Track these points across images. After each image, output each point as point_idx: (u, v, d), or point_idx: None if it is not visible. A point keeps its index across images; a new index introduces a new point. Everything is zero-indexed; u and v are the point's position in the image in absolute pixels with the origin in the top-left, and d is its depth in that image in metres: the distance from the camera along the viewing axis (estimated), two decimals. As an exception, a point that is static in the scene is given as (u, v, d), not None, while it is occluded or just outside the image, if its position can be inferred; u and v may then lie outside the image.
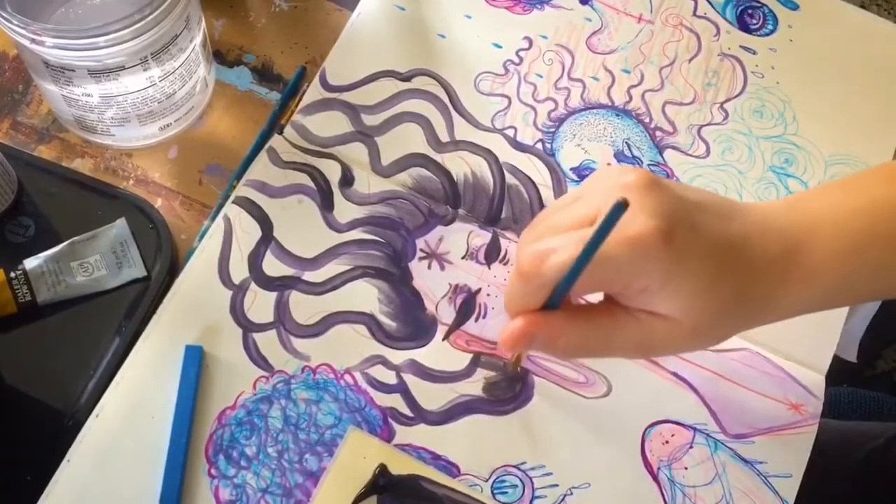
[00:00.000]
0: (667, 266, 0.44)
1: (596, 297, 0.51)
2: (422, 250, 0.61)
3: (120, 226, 0.60)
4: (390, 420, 0.56)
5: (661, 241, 0.43)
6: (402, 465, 0.55)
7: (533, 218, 0.63)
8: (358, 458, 0.55)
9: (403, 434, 0.56)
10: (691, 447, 0.57)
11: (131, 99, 0.59)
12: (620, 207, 0.41)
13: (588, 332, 0.47)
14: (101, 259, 0.59)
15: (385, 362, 0.58)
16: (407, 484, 0.54)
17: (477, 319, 0.59)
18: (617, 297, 0.47)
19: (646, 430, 0.57)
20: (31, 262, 0.58)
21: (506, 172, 0.64)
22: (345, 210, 0.62)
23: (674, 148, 0.66)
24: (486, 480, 0.55)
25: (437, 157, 0.64)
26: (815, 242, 0.47)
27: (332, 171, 0.63)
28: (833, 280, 0.47)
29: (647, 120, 0.67)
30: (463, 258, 0.61)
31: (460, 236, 0.62)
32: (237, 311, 0.58)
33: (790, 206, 0.50)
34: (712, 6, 0.71)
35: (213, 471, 0.55)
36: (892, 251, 0.47)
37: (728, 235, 0.46)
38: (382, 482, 0.54)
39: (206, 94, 0.65)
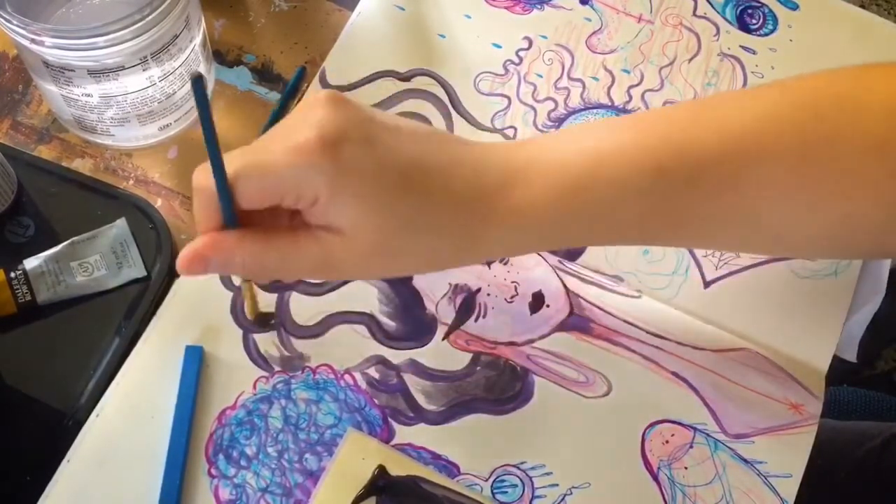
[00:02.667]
0: (331, 177, 0.42)
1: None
2: (422, 250, 0.61)
3: (120, 226, 0.60)
4: (390, 420, 0.57)
5: (323, 150, 0.42)
6: (400, 466, 0.55)
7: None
8: (356, 459, 0.55)
9: (403, 434, 0.56)
10: (691, 447, 0.57)
11: (131, 99, 0.59)
12: (196, 80, 0.41)
13: (264, 252, 0.45)
14: (101, 259, 0.59)
15: (385, 362, 0.58)
16: (406, 485, 0.54)
17: (477, 319, 0.59)
18: (302, 214, 0.45)
19: (646, 429, 0.57)
20: (31, 262, 0.58)
21: (506, 172, 0.64)
22: (345, 210, 0.62)
23: (674, 148, 0.66)
24: (486, 480, 0.55)
25: (437, 157, 0.64)
26: (530, 180, 0.45)
27: (332, 171, 0.63)
28: (547, 220, 0.45)
29: (646, 120, 0.67)
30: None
31: (460, 236, 0.62)
32: (237, 312, 0.58)
33: (515, 144, 0.48)
34: (712, 6, 0.71)
35: (213, 470, 0.55)
36: (609, 196, 0.45)
37: (422, 160, 0.45)
38: (381, 483, 0.54)
39: (206, 94, 0.65)
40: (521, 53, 0.68)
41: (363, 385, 0.57)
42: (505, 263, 0.61)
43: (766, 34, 0.70)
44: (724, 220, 0.47)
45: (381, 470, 0.54)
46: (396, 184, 0.44)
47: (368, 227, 0.44)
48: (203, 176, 0.45)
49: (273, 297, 0.59)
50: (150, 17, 0.54)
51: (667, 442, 0.57)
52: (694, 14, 0.71)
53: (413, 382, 0.58)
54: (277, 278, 0.49)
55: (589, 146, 0.47)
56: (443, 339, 0.59)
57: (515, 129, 0.66)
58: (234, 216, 0.45)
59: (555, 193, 0.45)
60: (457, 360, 0.58)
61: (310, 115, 0.44)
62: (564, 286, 0.61)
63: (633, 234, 0.49)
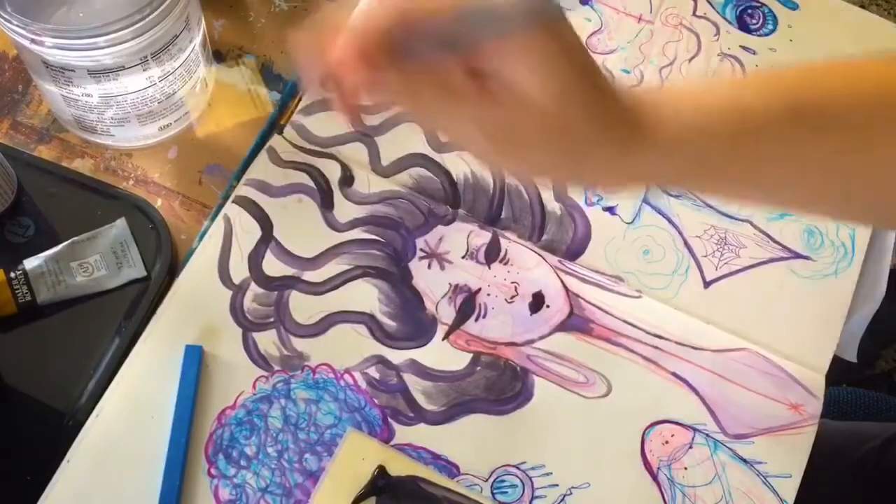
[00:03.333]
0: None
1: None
2: (422, 250, 0.61)
3: (120, 226, 0.60)
4: (390, 420, 0.56)
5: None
6: (400, 467, 0.55)
7: (533, 218, 0.63)
8: (357, 459, 0.55)
9: (403, 434, 0.56)
10: (691, 447, 0.57)
11: (131, 99, 0.59)
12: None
13: (441, 88, 0.42)
14: (101, 259, 0.59)
15: (385, 362, 0.58)
16: (406, 485, 0.54)
17: (477, 319, 0.59)
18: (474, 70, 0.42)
19: (646, 430, 0.57)
20: (31, 262, 0.58)
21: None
22: (345, 209, 0.62)
23: (674, 148, 0.66)
24: (486, 480, 0.55)
25: (437, 157, 0.64)
26: (661, 117, 0.45)
27: (332, 171, 0.63)
28: (682, 153, 0.45)
29: (646, 120, 0.67)
30: (463, 258, 0.61)
31: (460, 236, 0.62)
32: (237, 311, 0.58)
33: (636, 90, 0.48)
34: (712, 6, 0.71)
35: (212, 470, 0.55)
36: (754, 124, 0.45)
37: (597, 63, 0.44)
38: (381, 483, 0.54)
39: (206, 94, 0.65)
40: (521, 53, 0.68)
41: (363, 385, 0.57)
42: (505, 263, 0.61)
43: (766, 34, 0.70)
44: (846, 171, 0.47)
45: (381, 470, 0.54)
46: (584, 67, 0.42)
47: (552, 93, 0.41)
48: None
49: (273, 296, 0.59)
50: (150, 17, 0.54)
51: (667, 442, 0.57)
52: (694, 14, 0.71)
53: (413, 382, 0.58)
54: (433, 125, 0.44)
55: (724, 88, 0.47)
56: (443, 339, 0.59)
57: (515, 129, 0.66)
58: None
59: (691, 128, 0.45)
60: (457, 360, 0.58)
61: None
62: (564, 286, 0.61)
63: (766, 171, 0.48)
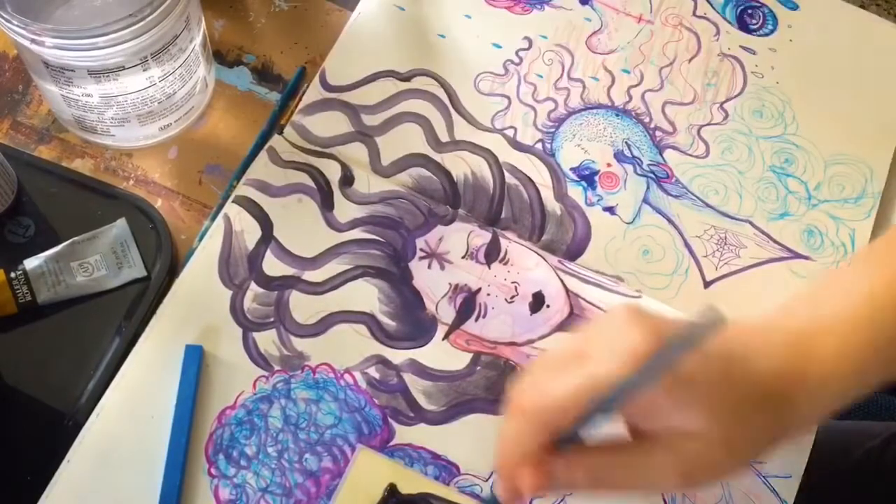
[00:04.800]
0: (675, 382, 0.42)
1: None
2: (422, 250, 0.61)
3: (120, 226, 0.60)
4: (390, 419, 0.57)
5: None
6: (411, 484, 0.54)
7: (533, 218, 0.63)
8: (367, 477, 0.54)
9: (403, 434, 0.56)
10: (691, 447, 0.57)
11: (131, 99, 0.59)
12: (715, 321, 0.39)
13: (610, 455, 0.44)
14: (101, 259, 0.59)
15: (385, 362, 0.58)
16: (417, 503, 0.54)
17: (477, 319, 0.59)
18: (636, 427, 0.45)
19: (646, 429, 0.57)
20: (31, 262, 0.58)
21: (506, 172, 0.64)
22: (345, 209, 0.62)
23: (673, 148, 0.66)
24: (486, 480, 0.55)
25: (437, 157, 0.64)
26: (820, 346, 0.46)
27: (332, 171, 0.63)
28: (850, 374, 0.46)
29: (646, 120, 0.67)
30: (463, 258, 0.61)
31: (460, 236, 0.62)
32: (237, 311, 0.58)
33: (787, 315, 0.49)
34: (712, 6, 0.71)
35: (212, 470, 0.55)
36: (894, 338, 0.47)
37: (728, 349, 0.45)
38: (392, 502, 0.54)
39: (206, 94, 0.65)
40: (522, 53, 0.68)
41: (363, 385, 0.57)
42: (505, 263, 0.61)
43: (766, 34, 0.70)
44: None
45: (392, 488, 0.54)
46: (721, 374, 0.44)
47: (712, 419, 0.43)
48: (537, 398, 0.42)
49: (273, 296, 0.59)
50: (151, 17, 0.54)
51: (667, 442, 0.57)
52: (694, 14, 0.71)
53: (413, 382, 0.58)
54: (624, 488, 0.46)
55: (861, 292, 0.47)
56: (443, 339, 0.59)
57: (515, 129, 0.66)
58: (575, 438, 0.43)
59: (851, 353, 0.46)
60: (457, 360, 0.58)
61: (620, 327, 0.42)
62: (564, 286, 0.61)
63: None
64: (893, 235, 0.52)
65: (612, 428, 0.44)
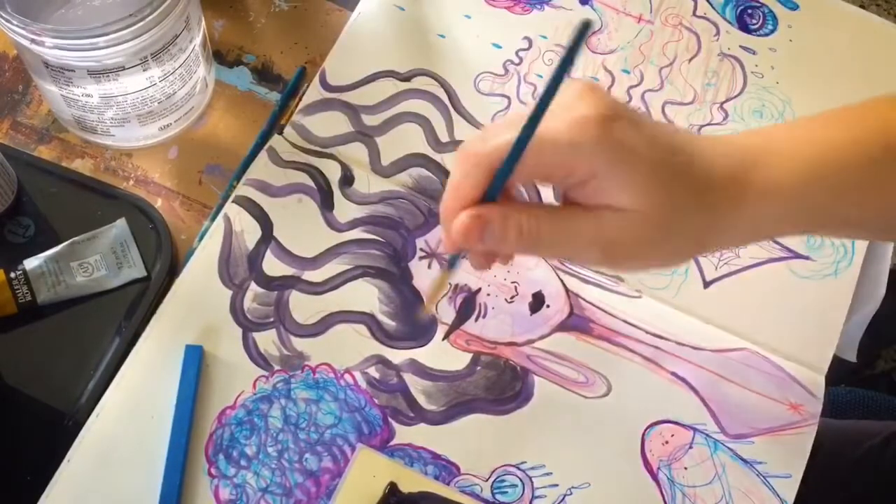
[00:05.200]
0: (610, 150, 0.43)
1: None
2: (422, 250, 0.61)
3: (120, 226, 0.60)
4: (390, 419, 0.57)
5: (603, 125, 0.43)
6: (412, 483, 0.54)
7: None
8: (367, 476, 0.54)
9: (403, 434, 0.56)
10: (691, 447, 0.57)
11: (131, 99, 0.59)
12: (583, 29, 0.40)
13: (543, 217, 0.45)
14: (101, 259, 0.59)
15: (385, 362, 0.58)
16: (417, 502, 0.54)
17: (477, 319, 0.59)
18: (568, 192, 0.46)
19: (646, 429, 0.57)
20: (31, 263, 0.58)
21: (506, 172, 0.64)
22: (345, 209, 0.62)
23: (673, 148, 0.66)
24: (486, 480, 0.55)
25: (437, 157, 0.64)
26: (771, 160, 0.46)
27: (332, 171, 0.63)
28: (791, 197, 0.47)
29: (646, 120, 0.67)
30: (463, 258, 0.61)
31: (460, 236, 0.62)
32: (237, 311, 0.58)
33: (746, 133, 0.50)
34: (712, 6, 0.71)
35: (213, 470, 0.55)
36: (847, 176, 0.47)
37: (679, 141, 0.46)
38: (393, 501, 0.54)
39: (206, 94, 0.65)
40: (522, 54, 0.68)
41: (363, 385, 0.57)
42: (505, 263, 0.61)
43: (766, 34, 0.70)
44: None
45: (393, 487, 0.54)
46: (667, 163, 0.44)
47: (650, 202, 0.44)
48: (478, 143, 0.44)
49: (273, 296, 0.59)
50: (151, 17, 0.54)
51: (667, 442, 0.57)
52: (694, 14, 0.71)
53: (413, 382, 0.58)
54: (549, 254, 0.48)
55: (818, 135, 0.48)
56: (443, 339, 0.59)
57: (515, 129, 0.66)
58: (501, 188, 0.44)
59: (796, 175, 0.46)
60: (457, 360, 0.58)
61: (579, 98, 0.44)
62: (564, 286, 0.61)
63: (857, 215, 0.50)
64: (872, 102, 0.52)
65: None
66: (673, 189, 0.44)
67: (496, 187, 0.44)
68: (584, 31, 0.40)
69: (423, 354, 0.58)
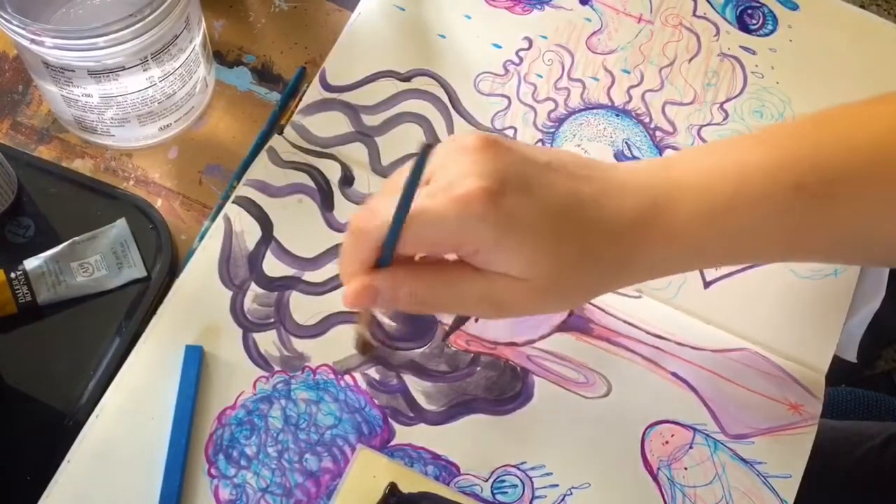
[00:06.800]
0: (494, 226, 0.43)
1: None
2: (422, 250, 0.61)
3: (120, 226, 0.60)
4: (390, 420, 0.57)
5: (488, 201, 0.43)
6: (412, 483, 0.54)
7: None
8: (367, 477, 0.54)
9: (403, 434, 0.56)
10: (691, 447, 0.57)
11: (131, 99, 0.59)
12: (424, 151, 0.41)
13: (432, 281, 0.46)
14: (101, 259, 0.59)
15: (385, 363, 0.58)
16: (417, 502, 0.54)
17: (477, 319, 0.59)
18: (461, 257, 0.46)
19: (646, 430, 0.57)
20: (31, 263, 0.58)
21: (506, 172, 0.64)
22: (345, 209, 0.62)
23: (674, 148, 0.66)
24: (486, 480, 0.55)
25: (437, 158, 0.64)
26: (678, 203, 0.46)
27: (332, 171, 0.63)
28: (693, 242, 0.47)
29: (646, 120, 0.67)
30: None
31: (460, 236, 0.62)
32: (237, 311, 0.58)
33: (657, 165, 0.50)
34: (712, 6, 0.71)
35: (213, 471, 0.55)
36: (756, 215, 0.47)
37: (576, 195, 0.46)
38: (393, 501, 0.54)
39: (206, 94, 0.65)
40: (522, 54, 0.68)
41: (363, 385, 0.57)
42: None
43: (766, 34, 0.70)
44: (853, 234, 0.49)
45: (393, 487, 0.54)
46: (556, 227, 0.45)
47: (535, 272, 0.45)
48: (365, 218, 0.45)
49: (273, 296, 0.59)
50: (151, 17, 0.54)
51: (667, 442, 0.57)
52: (694, 14, 0.71)
53: (413, 382, 0.58)
54: (442, 310, 0.49)
55: (730, 167, 0.48)
56: (443, 339, 0.59)
57: (515, 129, 0.66)
58: (391, 257, 0.45)
59: (704, 217, 0.47)
60: (457, 360, 0.58)
61: (467, 162, 0.44)
62: (564, 286, 0.61)
63: (776, 251, 0.51)
64: (786, 127, 0.52)
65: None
66: (561, 254, 0.45)
67: (385, 257, 0.45)
68: (424, 156, 0.41)
69: (423, 355, 0.58)
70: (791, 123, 0.50)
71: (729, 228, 0.47)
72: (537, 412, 0.57)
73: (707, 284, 0.62)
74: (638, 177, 0.48)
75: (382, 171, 0.63)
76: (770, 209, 0.47)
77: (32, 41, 0.53)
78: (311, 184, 0.62)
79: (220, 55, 0.67)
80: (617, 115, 0.67)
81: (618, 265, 0.47)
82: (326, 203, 0.62)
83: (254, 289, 0.59)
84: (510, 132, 0.65)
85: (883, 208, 0.48)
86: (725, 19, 0.71)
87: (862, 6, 0.75)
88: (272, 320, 0.58)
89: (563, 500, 0.55)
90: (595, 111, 0.67)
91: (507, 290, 0.45)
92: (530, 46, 0.69)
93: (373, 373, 0.58)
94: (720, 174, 0.47)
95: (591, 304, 0.60)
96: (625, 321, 0.60)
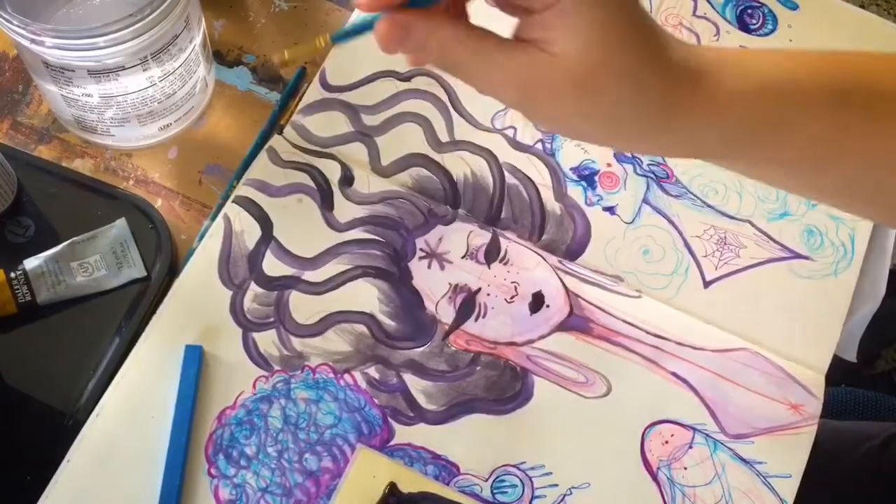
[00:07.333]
0: None
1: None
2: (422, 250, 0.61)
3: (120, 226, 0.60)
4: (390, 419, 0.57)
5: None
6: (411, 483, 0.54)
7: (533, 218, 0.63)
8: (367, 477, 0.54)
9: (403, 433, 0.56)
10: (691, 447, 0.57)
11: (131, 99, 0.59)
12: None
13: (470, 41, 0.42)
14: (101, 259, 0.59)
15: (385, 362, 0.58)
16: (417, 502, 0.54)
17: (477, 319, 0.59)
18: (519, 21, 0.43)
19: (645, 429, 0.57)
20: (31, 262, 0.58)
21: (506, 172, 0.64)
22: (345, 209, 0.62)
23: (673, 148, 0.66)
24: (486, 480, 0.55)
25: (437, 157, 0.64)
26: (728, 73, 0.44)
27: (332, 171, 0.63)
28: (738, 114, 0.44)
29: (646, 120, 0.67)
30: (463, 258, 0.61)
31: (460, 236, 0.62)
32: (237, 311, 0.58)
33: (710, 46, 0.48)
34: (712, 6, 0.71)
35: (212, 470, 0.55)
36: (799, 108, 0.45)
37: (648, 16, 0.43)
38: (392, 501, 0.54)
39: (206, 94, 0.65)
40: (521, 53, 0.68)
41: (363, 385, 0.57)
42: (505, 263, 0.61)
43: (766, 34, 0.70)
44: (886, 162, 0.47)
45: (393, 487, 0.54)
46: (630, 22, 0.41)
47: (585, 46, 0.41)
48: None
49: (273, 296, 0.59)
50: (150, 17, 0.54)
51: (666, 442, 0.57)
52: (694, 14, 0.71)
53: (413, 382, 0.58)
54: (464, 77, 0.44)
55: (781, 58, 0.47)
56: (443, 339, 0.59)
57: (515, 129, 0.66)
58: None
59: (751, 90, 0.44)
60: (457, 360, 0.58)
61: None
62: (564, 286, 0.61)
63: (806, 159, 0.48)
64: (836, 51, 0.49)
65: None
66: (623, 44, 0.41)
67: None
68: None
69: (422, 354, 0.58)
70: (838, 51, 0.49)
71: (771, 109, 0.45)
72: (537, 412, 0.57)
73: (707, 284, 0.62)
74: (693, 46, 0.46)
75: (382, 171, 0.63)
76: (813, 102, 0.45)
77: (32, 41, 0.53)
78: (311, 183, 0.62)
79: (220, 55, 0.67)
80: (617, 115, 0.67)
81: (660, 109, 0.43)
82: (326, 203, 0.62)
83: (253, 288, 0.59)
84: (510, 132, 0.65)
85: None
86: (725, 19, 0.71)
87: (862, 6, 0.75)
88: (272, 320, 0.58)
89: (562, 499, 0.55)
90: (595, 111, 0.67)
91: (542, 69, 0.41)
92: (530, 46, 0.69)
93: (373, 372, 0.58)
94: (771, 62, 0.46)
95: (591, 304, 0.60)
96: (625, 321, 0.60)
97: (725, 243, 0.63)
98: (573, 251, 0.62)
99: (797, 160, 0.48)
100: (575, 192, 0.64)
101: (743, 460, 0.57)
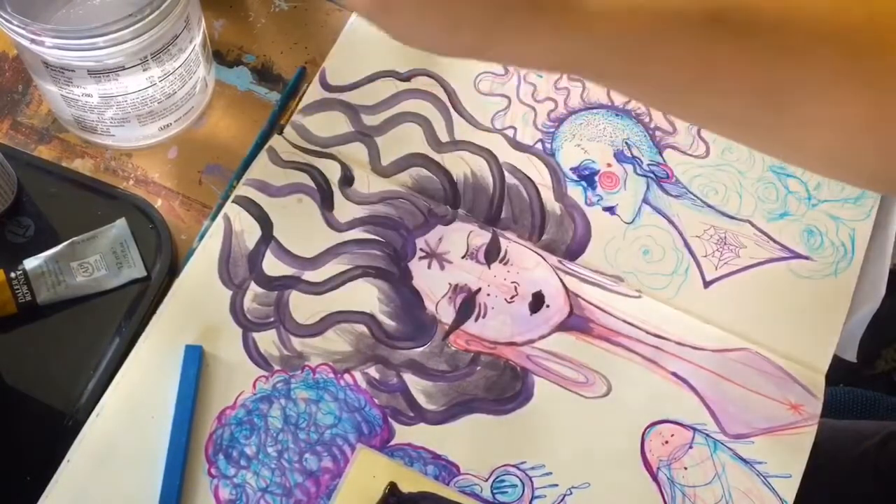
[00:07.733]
0: None
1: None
2: (422, 250, 0.61)
3: (120, 226, 0.60)
4: (390, 419, 0.57)
5: None
6: (412, 483, 0.54)
7: (533, 218, 0.63)
8: (367, 477, 0.54)
9: (403, 433, 0.56)
10: (691, 447, 0.57)
11: (131, 99, 0.59)
12: None
13: None
14: (101, 259, 0.59)
15: (385, 362, 0.58)
16: (417, 502, 0.54)
17: (477, 319, 0.59)
18: None
19: (645, 429, 0.57)
20: (31, 263, 0.58)
21: (506, 172, 0.64)
22: (345, 209, 0.62)
23: (673, 148, 0.66)
24: (486, 480, 0.55)
25: (437, 157, 0.64)
26: None
27: (332, 171, 0.63)
28: (602, 33, 0.42)
29: (646, 120, 0.67)
30: (463, 258, 0.61)
31: (460, 236, 0.62)
32: (237, 311, 0.58)
33: None
34: None
35: (212, 470, 0.55)
36: (666, 31, 0.42)
37: None
38: (392, 501, 0.54)
39: (206, 94, 0.65)
40: (521, 53, 0.68)
41: (363, 385, 0.57)
42: (505, 263, 0.61)
43: None
44: (757, 89, 0.44)
45: (393, 487, 0.54)
46: None
47: None
48: None
49: (273, 296, 0.59)
50: (150, 17, 0.54)
51: (666, 442, 0.57)
52: None
53: (413, 382, 0.58)
54: None
55: None
56: (443, 339, 0.59)
57: (515, 129, 0.66)
58: None
59: (624, 6, 0.41)
60: (457, 360, 0.58)
61: None
62: (564, 286, 0.61)
63: (683, 80, 0.45)
64: None
65: None
66: None
67: None
68: None
69: (422, 354, 0.58)
70: None
71: (638, 34, 0.42)
72: (537, 412, 0.57)
73: (707, 284, 0.62)
74: None
75: (382, 171, 0.63)
76: (684, 23, 0.42)
77: (32, 41, 0.53)
78: (311, 183, 0.62)
79: (220, 55, 0.67)
80: (617, 115, 0.67)
81: (524, 10, 0.41)
82: (326, 203, 0.62)
83: (253, 288, 0.59)
84: (510, 132, 0.65)
85: (821, 78, 0.42)
86: None
87: (862, 6, 0.75)
88: (272, 320, 0.58)
89: (562, 499, 0.55)
90: (595, 111, 0.67)
91: None
92: (530, 46, 0.69)
93: (373, 372, 0.58)
94: None
95: (591, 304, 0.60)
96: (625, 321, 0.60)
97: (725, 243, 0.63)
98: (573, 251, 0.62)
99: (669, 80, 0.45)
100: (575, 192, 0.64)
101: (743, 460, 0.57)
